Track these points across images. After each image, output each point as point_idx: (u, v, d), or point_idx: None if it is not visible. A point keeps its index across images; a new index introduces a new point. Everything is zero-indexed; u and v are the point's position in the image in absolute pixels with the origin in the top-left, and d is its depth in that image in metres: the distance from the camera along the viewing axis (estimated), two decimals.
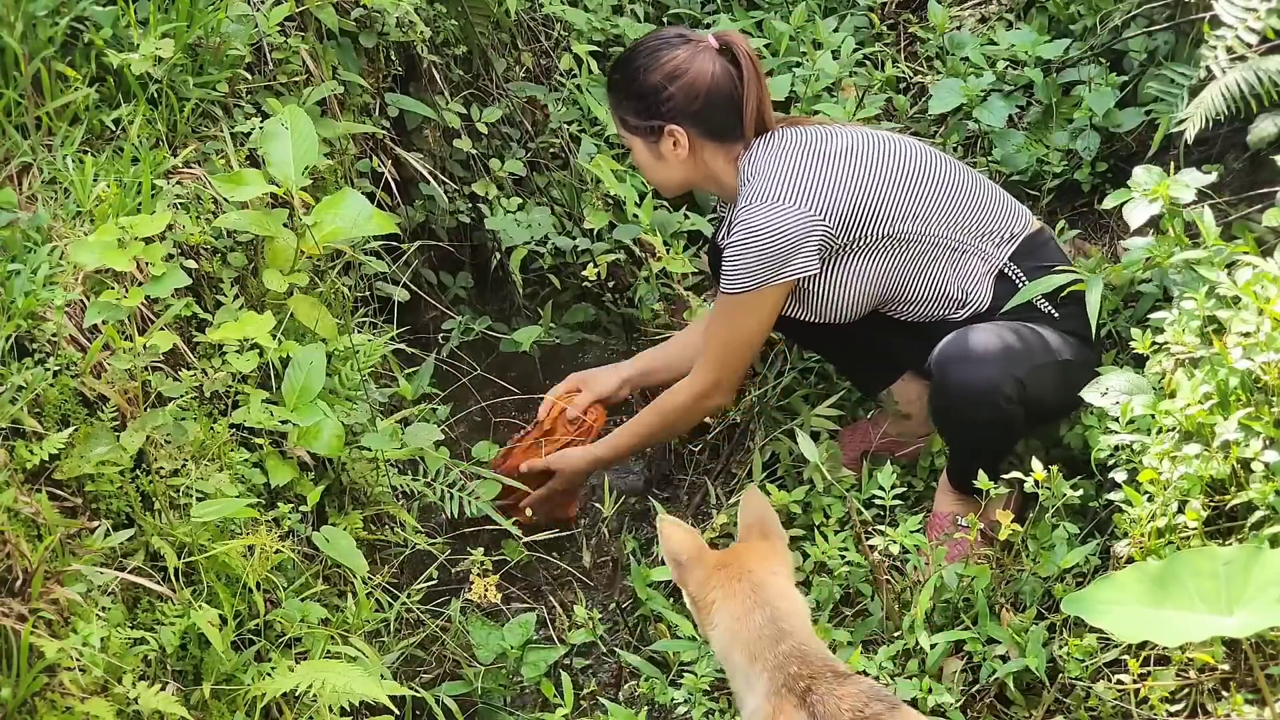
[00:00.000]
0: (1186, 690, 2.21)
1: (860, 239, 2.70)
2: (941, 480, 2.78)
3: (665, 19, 4.12)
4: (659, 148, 2.83)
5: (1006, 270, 2.73)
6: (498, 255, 3.67)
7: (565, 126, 3.76)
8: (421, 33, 3.33)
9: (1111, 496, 2.35)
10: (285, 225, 2.57)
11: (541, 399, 3.29)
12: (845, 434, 3.07)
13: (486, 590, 2.68)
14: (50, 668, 1.95)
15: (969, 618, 2.51)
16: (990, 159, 3.57)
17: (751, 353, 2.87)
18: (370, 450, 2.63)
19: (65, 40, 2.57)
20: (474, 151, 3.61)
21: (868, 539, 2.61)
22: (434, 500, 2.75)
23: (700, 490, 3.17)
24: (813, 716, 2.00)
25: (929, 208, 2.72)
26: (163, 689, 2.02)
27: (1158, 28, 3.40)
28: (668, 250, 3.42)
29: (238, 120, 2.77)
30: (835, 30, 4.03)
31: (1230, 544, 2.12)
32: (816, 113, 3.64)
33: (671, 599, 2.72)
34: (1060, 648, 2.36)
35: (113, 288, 2.29)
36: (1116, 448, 2.34)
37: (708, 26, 3.99)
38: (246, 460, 2.37)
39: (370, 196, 3.22)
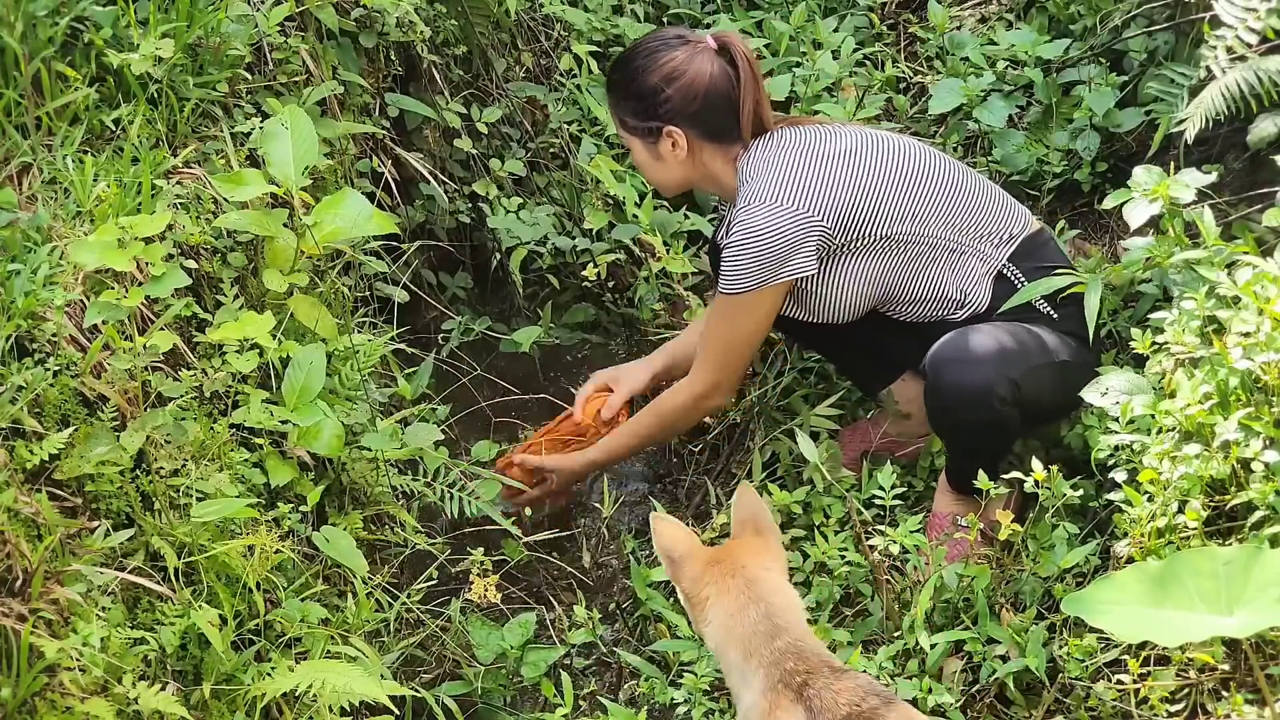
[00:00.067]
0: (1186, 690, 2.21)
1: (859, 239, 2.70)
2: (941, 480, 2.78)
3: (665, 19, 4.12)
4: (658, 148, 2.83)
5: (1006, 271, 2.73)
6: (498, 255, 3.67)
7: (565, 126, 3.76)
8: (421, 33, 3.33)
9: (1111, 496, 2.35)
10: (285, 225, 2.57)
11: (541, 399, 3.29)
12: (845, 434, 3.07)
13: (486, 590, 2.69)
14: (50, 668, 1.95)
15: (969, 618, 2.51)
16: (990, 159, 3.57)
17: (750, 353, 2.87)
18: (370, 450, 2.63)
19: (65, 40, 2.57)
20: (474, 151, 3.61)
21: (868, 539, 2.61)
22: (434, 500, 2.75)
23: (700, 490, 3.17)
24: (810, 711, 2.00)
25: (928, 208, 2.72)
26: (163, 689, 2.03)
27: (1158, 28, 3.40)
28: (668, 250, 3.42)
29: (238, 120, 2.77)
30: (835, 30, 4.03)
31: (1230, 544, 2.12)
32: (816, 113, 3.64)
33: (671, 599, 2.72)
34: (1060, 648, 2.36)
35: (113, 288, 2.29)
36: (1116, 448, 2.34)
37: (708, 27, 3.99)
38: (246, 460, 2.38)
39: (370, 196, 3.22)
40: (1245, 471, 2.20)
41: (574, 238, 3.60)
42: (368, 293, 3.21)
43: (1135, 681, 2.22)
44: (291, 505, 2.44)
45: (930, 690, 2.38)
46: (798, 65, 3.86)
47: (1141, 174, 2.61)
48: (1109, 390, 2.44)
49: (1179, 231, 2.61)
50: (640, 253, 3.56)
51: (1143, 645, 2.24)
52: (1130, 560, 2.28)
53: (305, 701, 2.20)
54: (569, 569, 3.02)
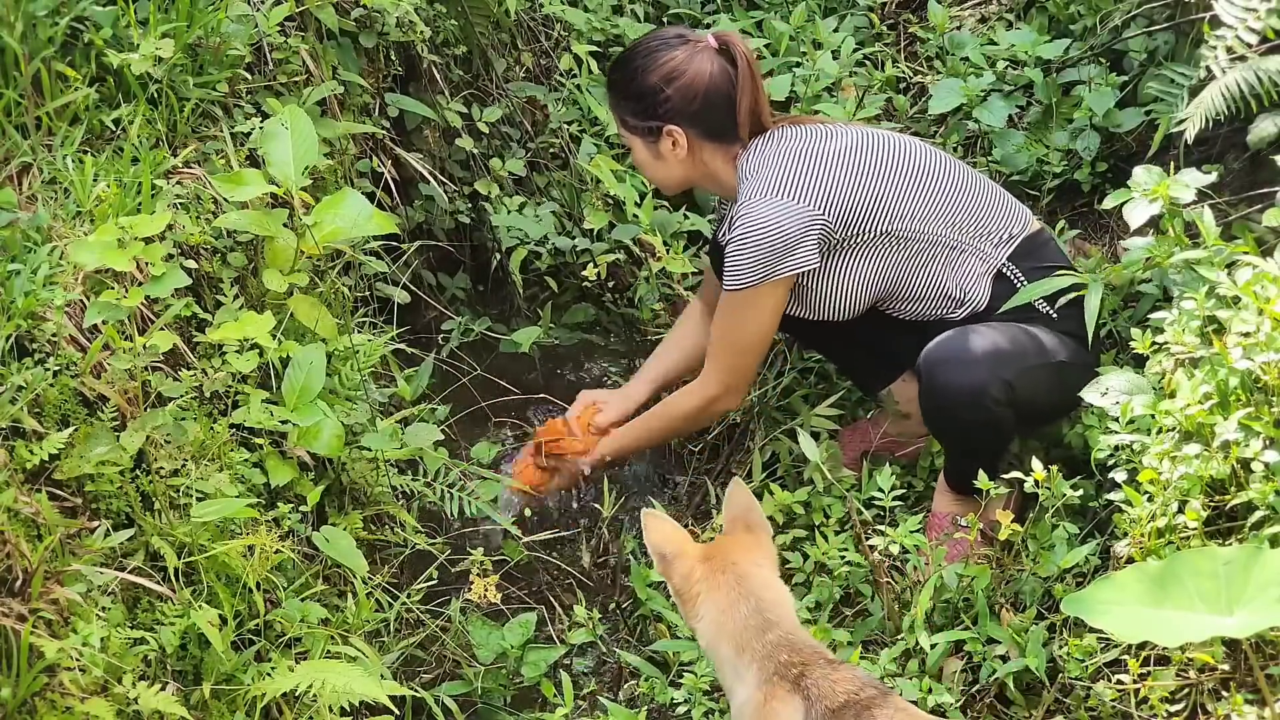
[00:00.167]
0: (1186, 690, 2.21)
1: (859, 235, 2.70)
2: (940, 480, 2.78)
3: (665, 19, 4.12)
4: (658, 147, 2.83)
5: (1005, 270, 2.73)
6: (498, 256, 3.67)
7: (565, 126, 3.76)
8: (421, 33, 3.33)
9: (1111, 496, 2.35)
10: (285, 225, 2.57)
11: (542, 399, 3.29)
12: (845, 434, 3.07)
13: (486, 590, 2.69)
14: (50, 668, 1.95)
15: (969, 618, 2.51)
16: (990, 159, 3.57)
17: (760, 353, 2.86)
18: (370, 450, 2.63)
19: (65, 40, 2.57)
20: (475, 151, 3.61)
21: (868, 539, 2.61)
22: (434, 500, 2.75)
23: (700, 490, 3.17)
24: (808, 700, 2.01)
25: (928, 205, 2.72)
26: (163, 689, 2.03)
27: (1158, 28, 3.40)
28: (668, 250, 3.42)
29: (238, 120, 2.77)
30: (835, 30, 4.03)
31: (1230, 544, 2.12)
32: (816, 112, 3.64)
33: (671, 599, 2.72)
34: (1060, 648, 2.36)
35: (113, 288, 2.29)
36: (1116, 448, 2.34)
37: (708, 26, 3.98)
38: (246, 460, 2.38)
39: (370, 196, 3.22)
40: (1245, 471, 2.19)
41: (574, 238, 3.60)
42: (368, 293, 3.21)
43: (1135, 681, 2.22)
44: (291, 505, 2.44)
45: (930, 690, 2.39)
46: (798, 65, 3.86)
47: (1141, 174, 2.61)
48: (1109, 390, 2.44)
49: (1179, 231, 2.61)
50: (640, 253, 3.55)
51: (1143, 645, 2.24)
52: (1130, 560, 2.28)
53: (305, 701, 2.20)
54: (569, 569, 3.03)
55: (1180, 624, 1.90)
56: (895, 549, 2.53)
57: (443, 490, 2.74)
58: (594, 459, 3.05)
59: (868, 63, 3.97)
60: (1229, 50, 2.71)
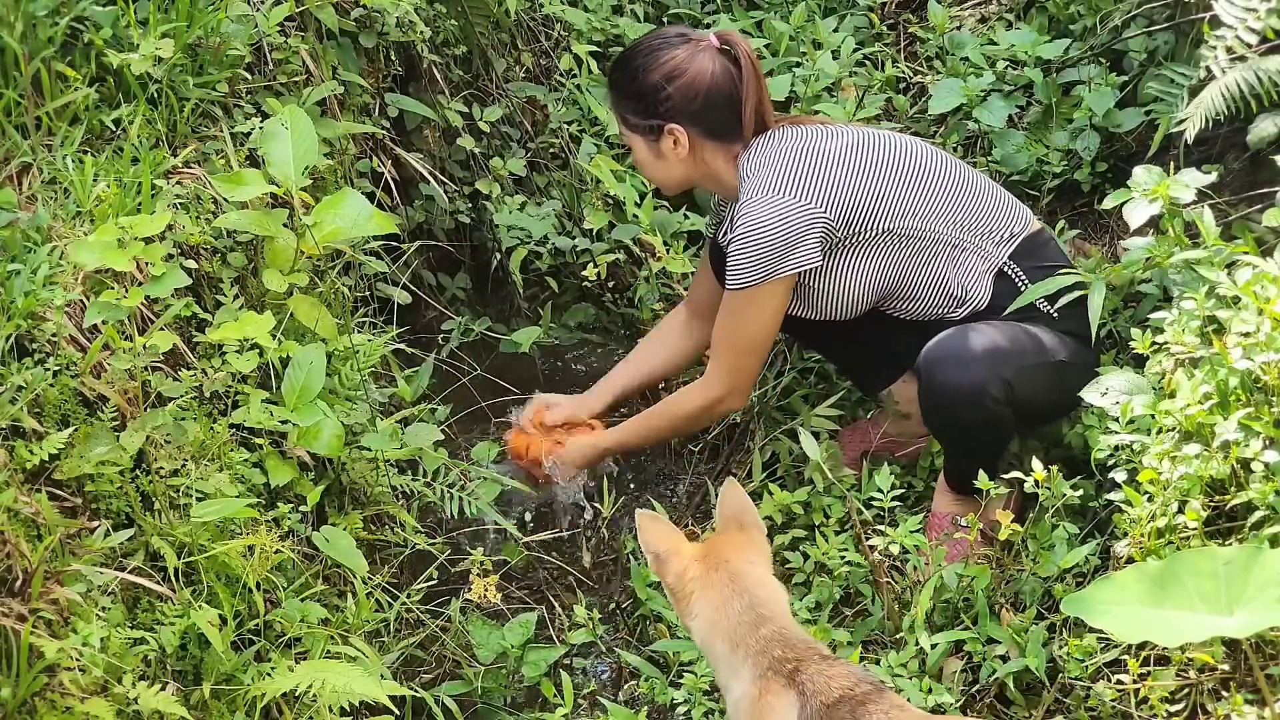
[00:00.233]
0: (1186, 690, 2.21)
1: (860, 234, 2.70)
2: (940, 480, 2.78)
3: (665, 19, 4.12)
4: (659, 146, 2.83)
5: (1006, 269, 2.73)
6: (498, 256, 3.67)
7: (565, 126, 3.76)
8: (421, 33, 3.33)
9: (1111, 496, 2.35)
10: (285, 225, 2.57)
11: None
12: (845, 434, 3.07)
13: (486, 590, 2.69)
14: (50, 668, 1.95)
15: (969, 618, 2.51)
16: (990, 159, 3.57)
17: (763, 353, 2.85)
18: (370, 450, 2.63)
19: (65, 40, 2.57)
20: (475, 151, 3.61)
21: (868, 539, 2.61)
22: (433, 500, 2.75)
23: (700, 490, 3.17)
24: (803, 694, 2.02)
25: (929, 204, 2.72)
26: (163, 689, 2.03)
27: (1158, 28, 3.40)
28: (668, 250, 3.42)
29: (238, 120, 2.77)
30: (835, 30, 4.03)
31: (1230, 544, 2.12)
32: (816, 112, 3.64)
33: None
34: (1060, 648, 2.36)
35: (113, 288, 2.29)
36: (1116, 448, 2.34)
37: (708, 26, 3.99)
38: (246, 460, 2.38)
39: (370, 196, 3.22)
40: (1245, 471, 2.19)
41: (574, 238, 3.60)
42: (368, 293, 3.21)
43: (1135, 681, 2.22)
44: (291, 505, 2.44)
45: (930, 690, 2.39)
46: (798, 65, 3.86)
47: (1141, 174, 2.61)
48: (1109, 390, 2.44)
49: (1179, 231, 2.61)
50: (640, 253, 3.56)
51: (1143, 645, 2.24)
52: (1130, 560, 2.28)
53: (305, 701, 2.20)
54: (569, 569, 3.03)
55: (1180, 624, 1.90)
56: (895, 549, 2.53)
57: (442, 490, 2.74)
58: (598, 450, 3.05)
59: (868, 63, 3.97)
60: (1229, 50, 2.71)
